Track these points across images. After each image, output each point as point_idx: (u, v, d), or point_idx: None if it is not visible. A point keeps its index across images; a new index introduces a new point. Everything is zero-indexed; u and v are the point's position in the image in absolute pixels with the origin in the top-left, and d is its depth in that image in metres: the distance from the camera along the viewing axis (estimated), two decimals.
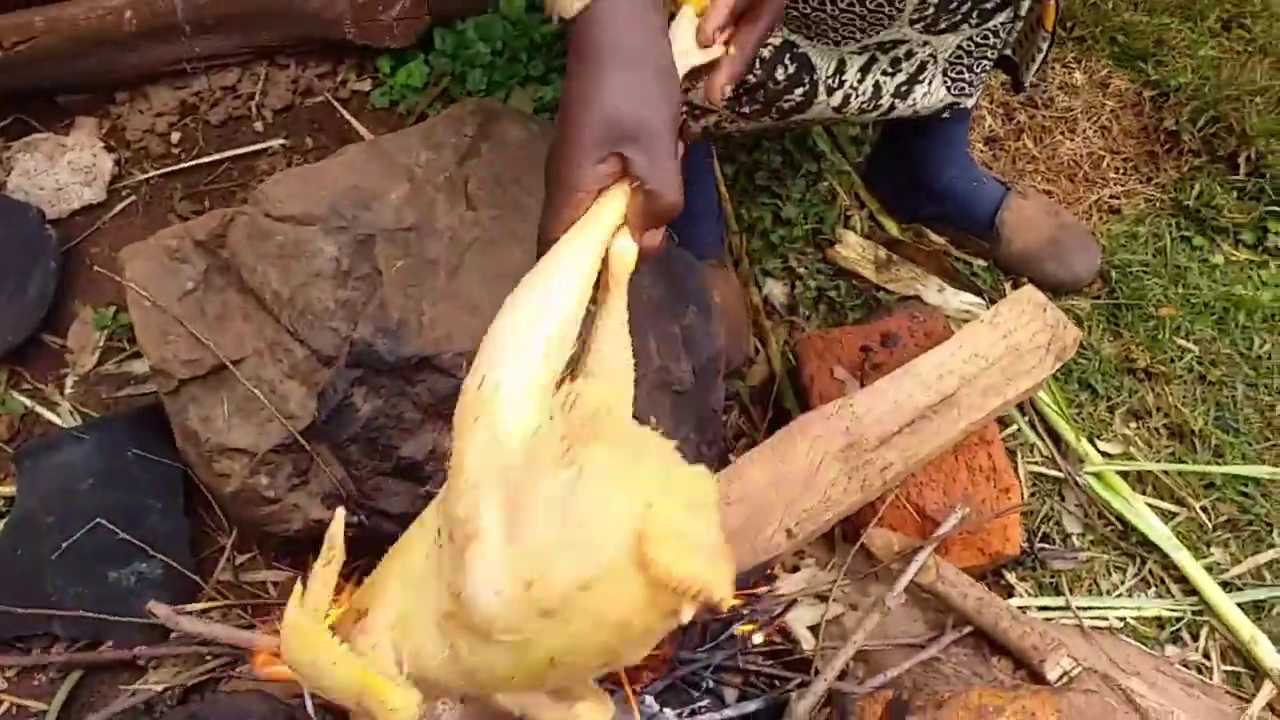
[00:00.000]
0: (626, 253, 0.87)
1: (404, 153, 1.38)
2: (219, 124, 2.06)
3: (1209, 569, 1.59)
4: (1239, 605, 1.55)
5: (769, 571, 1.41)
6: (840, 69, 1.44)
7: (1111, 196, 1.98)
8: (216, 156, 2.01)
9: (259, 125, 2.06)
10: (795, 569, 1.51)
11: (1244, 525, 1.64)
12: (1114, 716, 0.91)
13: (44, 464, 1.55)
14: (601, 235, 0.86)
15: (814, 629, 1.43)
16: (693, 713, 1.27)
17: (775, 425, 1.54)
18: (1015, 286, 1.85)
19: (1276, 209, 1.89)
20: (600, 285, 0.88)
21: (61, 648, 1.44)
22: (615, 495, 0.73)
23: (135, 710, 1.29)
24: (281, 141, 2.04)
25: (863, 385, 1.55)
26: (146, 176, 1.99)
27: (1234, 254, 1.89)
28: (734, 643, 1.36)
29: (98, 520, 1.44)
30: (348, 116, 2.05)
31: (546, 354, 0.81)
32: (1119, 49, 2.13)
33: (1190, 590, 1.58)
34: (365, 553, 1.32)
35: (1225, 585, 1.58)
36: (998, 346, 1.58)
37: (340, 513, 0.88)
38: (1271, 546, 1.62)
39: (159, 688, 1.33)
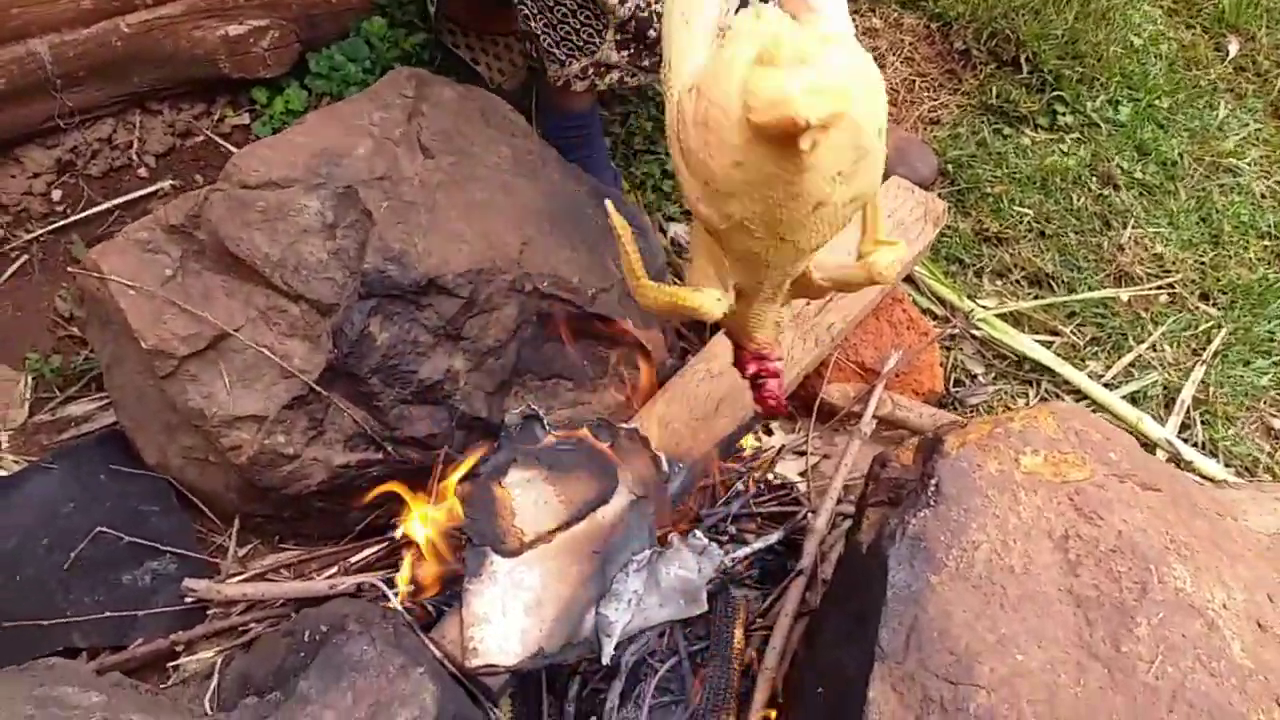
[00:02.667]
0: None
1: (358, 115, 1.48)
2: (100, 175, 2.05)
3: (1091, 377, 1.89)
4: (1122, 398, 1.86)
5: (758, 428, 1.58)
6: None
7: (930, 111, 2.32)
8: (107, 205, 2.00)
9: (143, 171, 2.07)
10: (770, 432, 1.69)
11: (1105, 340, 1.96)
12: (1091, 420, 1.13)
13: (14, 499, 1.50)
14: None
15: (801, 475, 1.61)
16: (728, 551, 1.40)
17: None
18: None
19: (1059, 94, 2.29)
20: None
21: (85, 659, 1.39)
22: (722, 86, 0.91)
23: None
24: (171, 182, 2.06)
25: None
26: (35, 235, 1.96)
27: (1036, 136, 2.27)
28: (743, 495, 1.51)
29: (99, 529, 1.42)
30: (233, 149, 2.10)
31: (704, 29, 1.01)
32: None
33: (1081, 396, 1.87)
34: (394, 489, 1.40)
35: (1107, 387, 1.88)
36: (886, 223, 1.84)
37: (609, 204, 1.11)
38: (1130, 350, 1.94)
39: (210, 654, 1.32)
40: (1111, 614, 0.95)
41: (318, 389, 1.37)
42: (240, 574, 1.46)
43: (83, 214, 1.99)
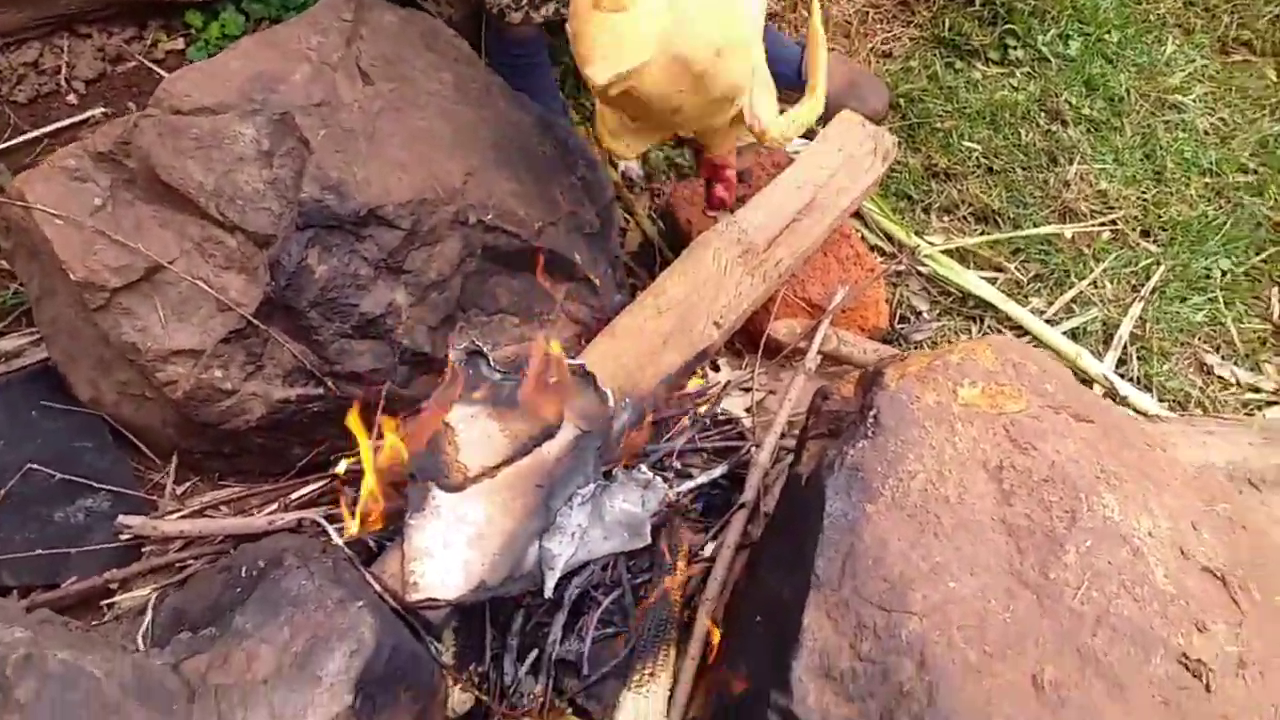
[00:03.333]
0: None
1: (294, 40, 1.43)
2: (27, 102, 1.97)
3: (1033, 313, 1.92)
4: (1062, 334, 1.88)
5: (704, 364, 1.58)
6: None
7: (882, 43, 2.30)
8: (36, 133, 1.92)
9: (72, 98, 1.99)
10: (716, 368, 1.69)
11: (1048, 276, 1.98)
12: (1029, 353, 1.14)
13: None
14: None
15: (747, 411, 1.62)
16: (672, 486, 1.41)
17: None
18: (827, 124, 2.11)
19: (1010, 28, 2.28)
20: None
21: (15, 597, 1.37)
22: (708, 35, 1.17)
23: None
24: (102, 110, 1.98)
25: (733, 213, 1.75)
26: None
27: (987, 70, 2.26)
28: (688, 431, 1.52)
29: (29, 466, 1.39)
30: (167, 76, 2.02)
31: None
32: None
33: (1023, 332, 1.90)
34: (334, 425, 1.38)
35: (1049, 322, 1.90)
36: (837, 157, 1.83)
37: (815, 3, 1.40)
38: (1072, 286, 1.97)
39: (146, 592, 1.31)
40: (1042, 542, 0.97)
41: (255, 322, 1.34)
42: (178, 511, 1.44)
43: (9, 142, 1.91)
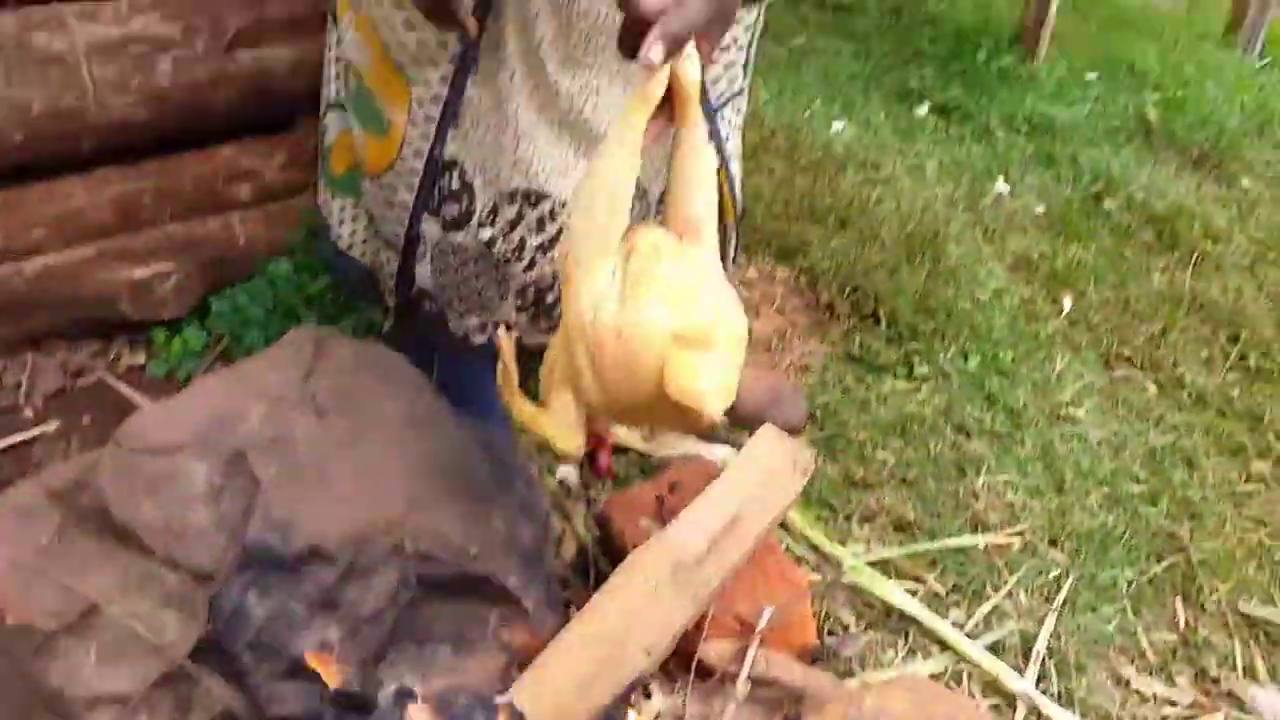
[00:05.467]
0: (695, 75, 1.13)
1: (253, 376, 1.54)
2: None
3: (954, 626, 1.99)
4: (984, 648, 1.95)
5: (632, 695, 1.60)
6: None
7: (800, 358, 2.51)
8: None
9: (29, 412, 2.07)
10: (648, 695, 1.71)
11: (965, 587, 2.08)
12: (939, 693, 1.20)
13: None
14: (640, 122, 1.13)
15: None
16: None
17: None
18: (751, 435, 2.26)
19: (914, 346, 2.51)
20: (674, 108, 1.16)
21: None
22: (647, 348, 1.15)
23: None
24: (56, 425, 2.05)
25: (664, 526, 1.85)
26: None
27: (896, 384, 2.46)
28: None
29: None
30: (126, 391, 2.11)
31: (607, 230, 1.16)
32: (775, 248, 2.75)
33: (946, 647, 1.96)
34: None
35: (969, 637, 1.97)
36: (759, 471, 1.95)
37: (501, 331, 1.32)
38: (988, 598, 2.06)
39: None
40: None
41: (187, 669, 1.35)
42: None
43: None
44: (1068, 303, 2.88)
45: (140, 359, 2.17)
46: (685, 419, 1.18)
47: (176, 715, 1.35)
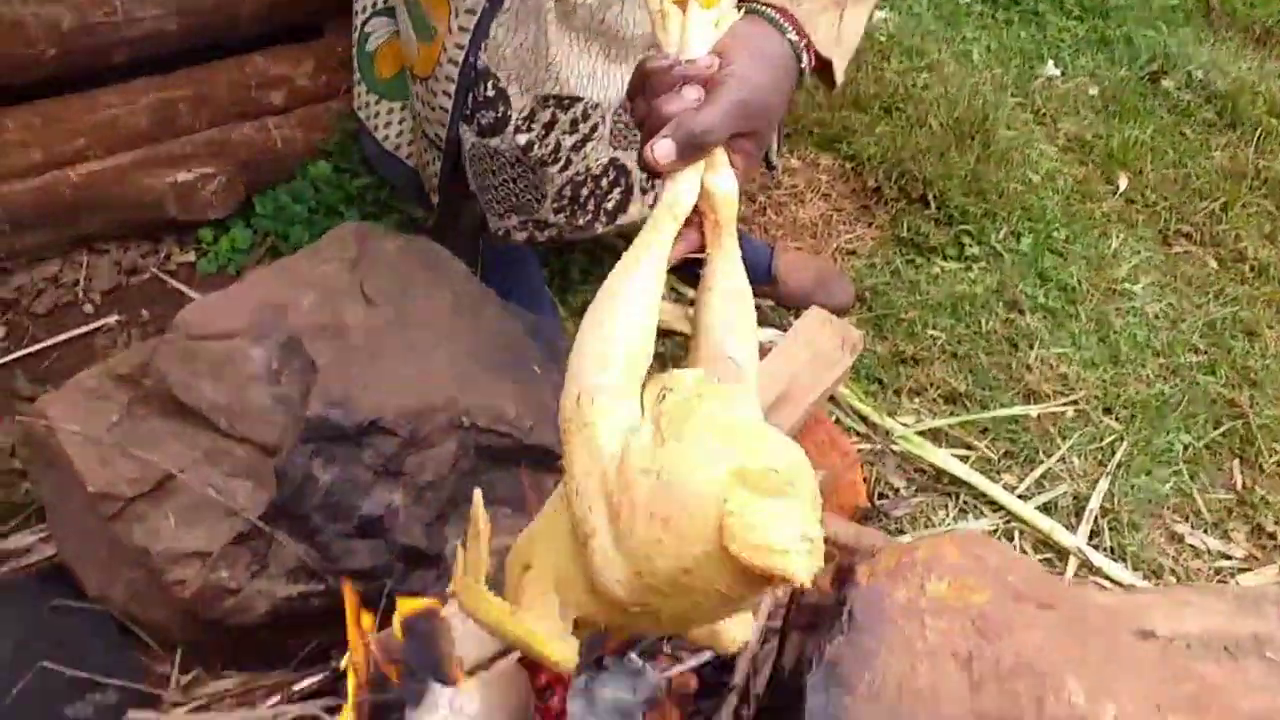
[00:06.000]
0: (729, 189, 0.91)
1: (302, 270, 1.57)
2: (46, 313, 2.09)
3: (1006, 489, 2.00)
4: (1035, 509, 1.96)
5: None
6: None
7: (846, 243, 2.48)
8: (51, 341, 2.04)
9: (88, 308, 2.12)
10: None
11: (1017, 453, 2.08)
12: (992, 546, 1.22)
13: None
14: (667, 235, 0.91)
15: None
16: (664, 670, 1.45)
17: None
18: (798, 318, 2.26)
19: (965, 228, 2.47)
20: (709, 231, 0.93)
21: None
22: (695, 490, 0.79)
23: None
24: (115, 318, 2.11)
25: None
26: None
27: (945, 265, 2.43)
28: None
29: (42, 664, 1.42)
30: (179, 285, 2.16)
31: (631, 360, 0.88)
32: (817, 137, 2.70)
33: (998, 507, 1.97)
34: (335, 620, 1.43)
35: (1021, 498, 1.98)
36: (806, 351, 1.96)
37: (478, 493, 0.96)
38: (1041, 463, 2.06)
39: None
40: None
41: (261, 526, 1.41)
42: (183, 703, 1.47)
43: (27, 349, 2.03)
44: (1123, 182, 2.80)
45: (190, 257, 2.21)
46: (735, 597, 0.83)
47: (254, 567, 1.41)
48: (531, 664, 1.10)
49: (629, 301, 0.89)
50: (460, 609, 0.95)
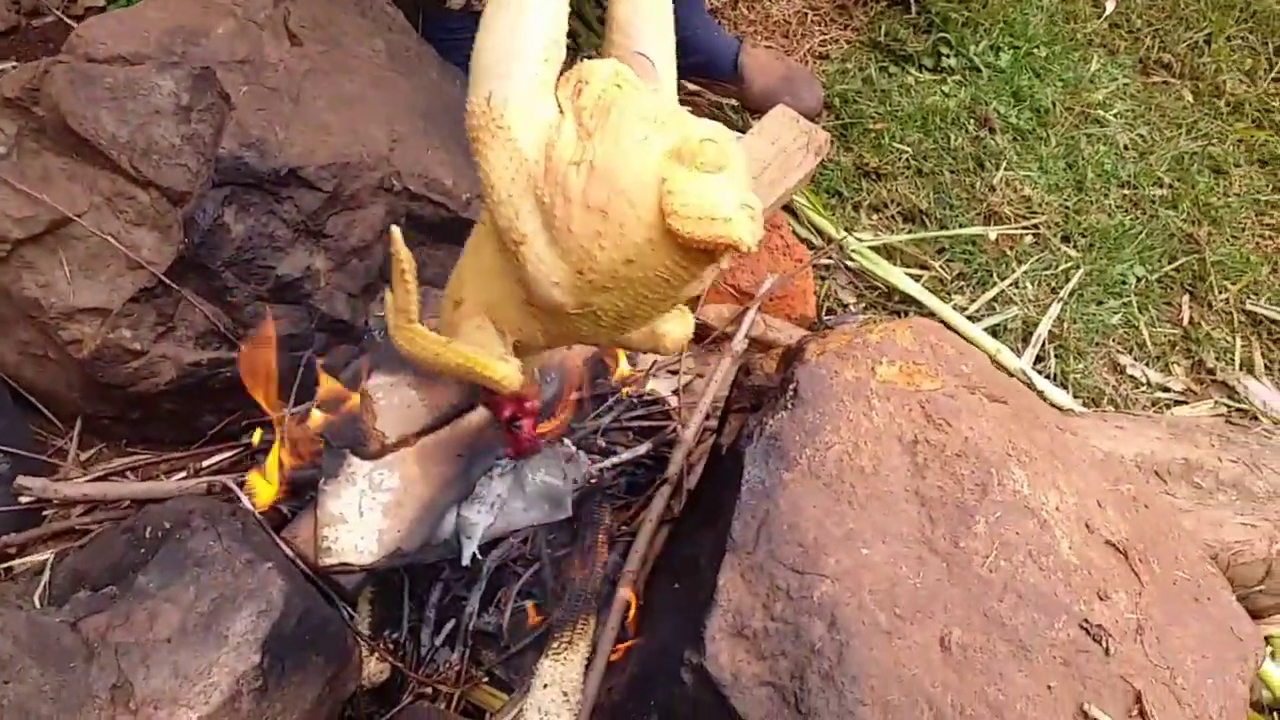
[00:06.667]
0: None
1: None
2: None
3: (956, 310, 1.95)
4: (984, 330, 1.92)
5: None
6: None
7: (820, 44, 2.33)
8: None
9: None
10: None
11: (971, 275, 2.03)
12: (947, 335, 1.16)
13: None
14: None
15: (674, 393, 1.62)
16: (596, 463, 1.40)
17: None
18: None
19: (944, 36, 2.33)
20: None
21: None
22: (631, 175, 0.77)
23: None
24: (13, 64, 1.91)
25: None
26: None
27: (920, 76, 2.31)
28: (614, 409, 1.51)
29: None
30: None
31: (545, 54, 0.82)
32: None
33: (947, 327, 1.93)
34: (247, 396, 1.34)
35: (970, 319, 1.94)
36: (770, 150, 1.85)
37: (395, 230, 0.92)
38: (994, 286, 2.01)
39: (45, 556, 1.25)
40: (953, 513, 0.99)
41: (167, 281, 1.30)
42: (81, 476, 1.39)
43: None
44: (1110, 5, 2.66)
45: (100, 0, 1.99)
46: (679, 283, 0.82)
47: (159, 329, 1.31)
48: (494, 399, 1.11)
49: None
50: (397, 349, 0.92)
